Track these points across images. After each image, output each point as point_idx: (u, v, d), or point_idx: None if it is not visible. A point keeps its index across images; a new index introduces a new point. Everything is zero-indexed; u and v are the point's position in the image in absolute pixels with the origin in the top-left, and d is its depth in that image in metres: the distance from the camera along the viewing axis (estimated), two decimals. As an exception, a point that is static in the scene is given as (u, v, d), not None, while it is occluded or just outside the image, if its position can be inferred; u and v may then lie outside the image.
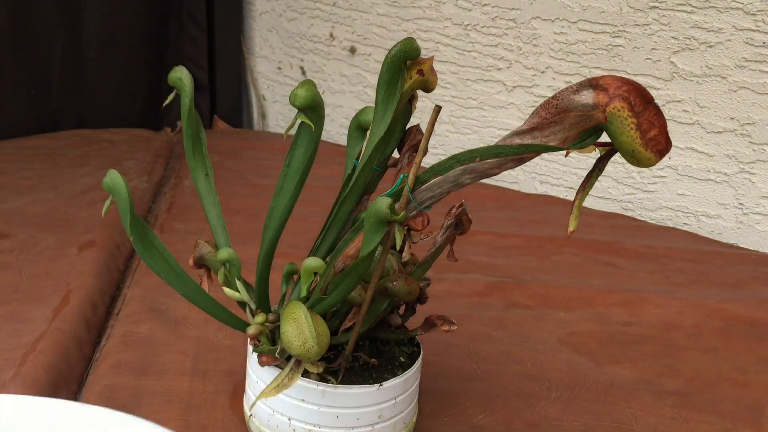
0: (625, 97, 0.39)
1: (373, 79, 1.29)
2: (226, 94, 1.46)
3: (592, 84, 0.40)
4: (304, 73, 1.40)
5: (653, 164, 0.40)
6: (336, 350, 0.52)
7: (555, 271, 0.85)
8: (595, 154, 0.43)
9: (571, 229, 0.43)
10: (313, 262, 0.48)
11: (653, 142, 0.40)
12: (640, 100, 0.39)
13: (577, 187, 0.44)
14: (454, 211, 0.51)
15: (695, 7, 0.97)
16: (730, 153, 0.99)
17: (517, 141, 0.43)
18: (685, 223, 1.05)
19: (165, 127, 1.38)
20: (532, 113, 0.42)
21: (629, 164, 1.08)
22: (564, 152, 0.43)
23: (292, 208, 0.51)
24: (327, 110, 1.35)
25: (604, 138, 0.42)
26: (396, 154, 0.52)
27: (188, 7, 1.37)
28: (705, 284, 0.84)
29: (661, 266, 0.89)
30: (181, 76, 0.50)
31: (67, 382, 0.60)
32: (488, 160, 0.43)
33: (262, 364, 0.49)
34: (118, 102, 1.35)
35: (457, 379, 0.63)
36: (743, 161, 0.99)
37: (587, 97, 0.40)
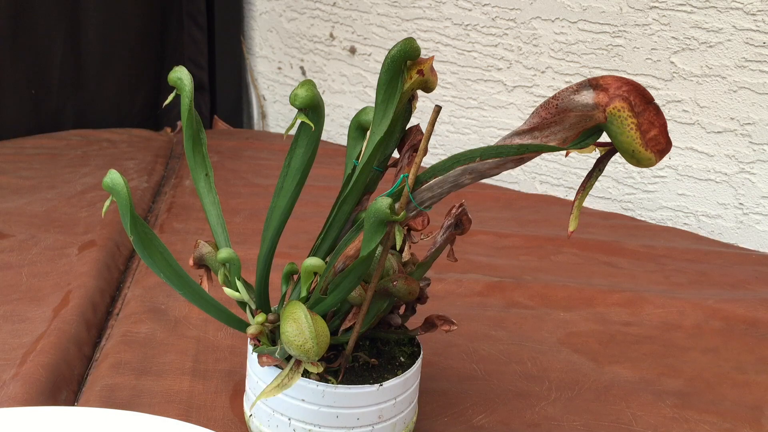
0: (626, 97, 0.39)
1: (373, 79, 1.29)
2: (226, 94, 1.46)
3: (592, 84, 0.40)
4: (304, 73, 1.40)
5: (653, 164, 0.40)
6: (336, 350, 0.51)
7: (555, 271, 0.85)
8: (595, 154, 0.43)
9: (571, 229, 0.42)
10: (313, 262, 0.48)
11: (653, 142, 0.40)
12: (640, 100, 0.39)
13: (577, 187, 0.44)
14: (454, 211, 0.51)
15: (695, 7, 0.97)
16: (730, 153, 0.99)
17: (517, 141, 0.43)
18: (685, 223, 1.05)
19: (165, 127, 1.38)
20: (532, 113, 0.42)
21: (629, 164, 1.08)
22: (564, 152, 0.43)
23: (292, 208, 0.51)
24: (327, 110, 1.35)
25: (604, 138, 0.42)
26: (396, 154, 0.52)
27: (188, 7, 1.37)
28: (705, 284, 0.84)
29: (661, 266, 0.89)
30: (181, 76, 0.50)
31: (67, 382, 0.60)
32: (488, 160, 0.43)
33: (262, 364, 0.49)
34: (118, 102, 1.35)
35: (457, 379, 0.63)
36: (743, 161, 0.99)
37: (587, 97, 0.40)
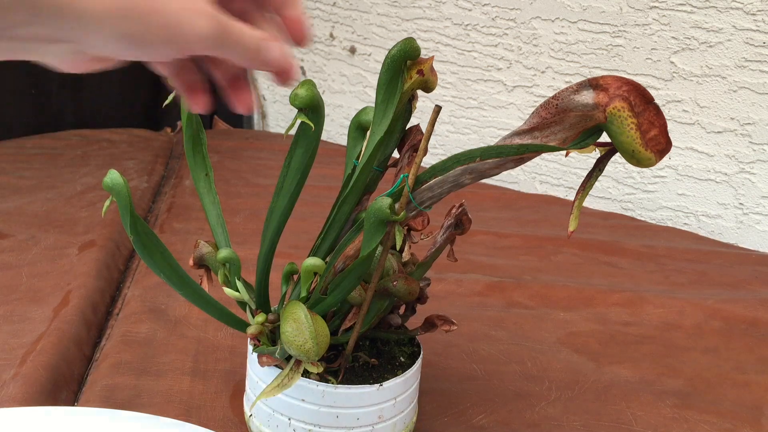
0: (626, 97, 0.39)
1: (373, 79, 1.29)
2: (226, 94, 1.46)
3: (593, 84, 0.40)
4: (304, 73, 1.40)
5: (653, 164, 0.40)
6: (336, 350, 0.51)
7: (555, 271, 0.85)
8: (595, 154, 0.43)
9: (571, 229, 0.42)
10: (313, 262, 0.48)
11: (653, 142, 0.40)
12: (641, 100, 0.39)
13: (577, 187, 0.44)
14: (454, 211, 0.51)
15: (695, 7, 0.97)
16: (730, 153, 0.99)
17: (517, 141, 0.43)
18: (685, 223, 1.05)
19: (165, 127, 1.38)
20: (532, 113, 0.42)
21: (629, 164, 1.08)
22: (564, 152, 0.43)
23: (292, 207, 0.51)
24: (327, 110, 1.35)
25: (604, 138, 0.42)
26: (396, 154, 0.52)
27: (188, 7, 1.37)
28: (705, 284, 0.84)
29: (661, 266, 0.89)
30: (181, 76, 0.50)
31: (67, 382, 0.60)
32: (488, 160, 0.43)
33: (262, 364, 0.49)
34: (118, 102, 1.35)
35: (457, 379, 0.63)
36: (743, 161, 0.99)
37: (587, 97, 0.40)
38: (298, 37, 0.40)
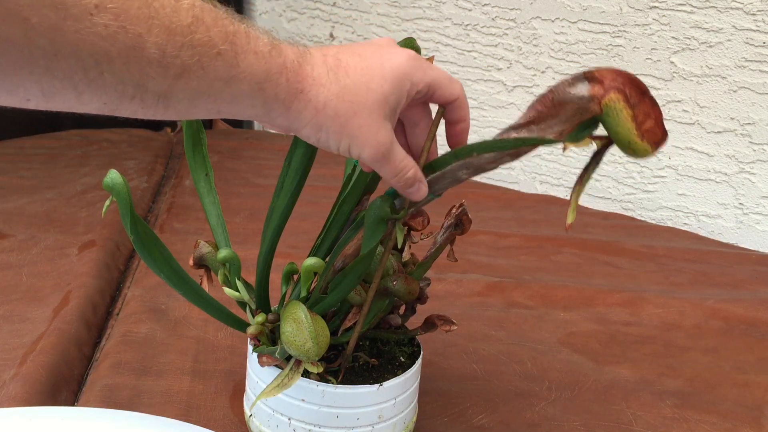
0: (621, 88, 0.39)
1: (373, 79, 1.28)
2: (226, 95, 1.45)
3: (588, 76, 0.40)
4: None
5: (650, 155, 0.40)
6: (336, 350, 0.51)
7: (555, 271, 0.85)
8: (593, 147, 0.43)
9: (569, 221, 0.42)
10: (313, 261, 0.48)
11: (649, 133, 0.39)
12: (636, 91, 0.39)
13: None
14: (454, 211, 0.51)
15: (695, 7, 0.97)
16: (730, 153, 0.99)
17: (514, 135, 0.43)
18: (685, 223, 1.05)
19: (165, 127, 1.38)
20: (529, 107, 0.42)
21: (629, 165, 1.08)
22: (562, 148, 0.43)
23: (292, 207, 0.51)
24: (327, 110, 1.34)
25: (601, 131, 0.42)
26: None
27: (188, 7, 1.37)
28: (705, 284, 0.84)
29: (661, 266, 0.89)
30: (181, 75, 0.50)
31: (67, 382, 0.60)
32: (485, 155, 0.43)
33: (262, 364, 0.49)
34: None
35: (457, 379, 0.63)
36: (743, 161, 0.99)
37: (583, 89, 0.40)
38: (455, 144, 0.46)
